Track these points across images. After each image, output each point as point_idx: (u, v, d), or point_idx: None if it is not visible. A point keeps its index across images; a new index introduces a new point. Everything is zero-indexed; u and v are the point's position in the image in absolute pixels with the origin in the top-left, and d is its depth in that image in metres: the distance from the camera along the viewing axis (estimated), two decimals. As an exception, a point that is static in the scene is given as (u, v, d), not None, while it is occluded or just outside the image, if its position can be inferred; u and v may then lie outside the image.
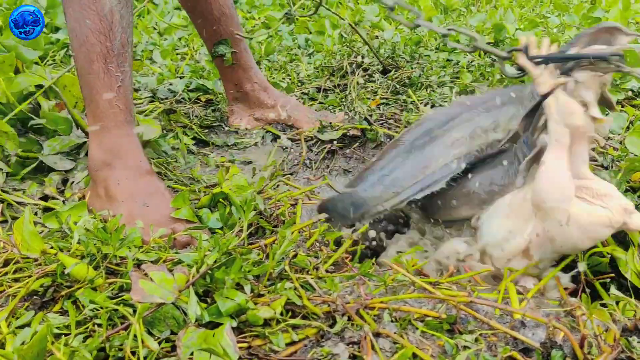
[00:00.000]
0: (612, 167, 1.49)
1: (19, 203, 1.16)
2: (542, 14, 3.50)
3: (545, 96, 0.95)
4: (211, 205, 1.10)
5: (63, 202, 1.14)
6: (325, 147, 1.52)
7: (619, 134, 1.70)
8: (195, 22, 1.60)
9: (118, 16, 1.10)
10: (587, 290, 1.07)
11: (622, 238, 1.22)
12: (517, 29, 2.30)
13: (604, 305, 0.95)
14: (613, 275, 1.15)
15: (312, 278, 0.86)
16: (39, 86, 1.61)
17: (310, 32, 2.71)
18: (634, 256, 1.17)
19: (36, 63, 2.06)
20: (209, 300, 0.78)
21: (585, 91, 0.95)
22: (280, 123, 1.67)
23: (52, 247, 0.89)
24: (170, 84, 1.97)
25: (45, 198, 1.20)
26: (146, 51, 2.49)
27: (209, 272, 0.77)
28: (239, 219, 0.98)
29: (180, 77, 2.07)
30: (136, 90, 2.01)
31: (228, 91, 1.71)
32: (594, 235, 0.96)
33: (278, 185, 1.30)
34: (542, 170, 0.96)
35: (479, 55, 2.20)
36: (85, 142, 1.31)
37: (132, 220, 1.00)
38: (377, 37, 2.78)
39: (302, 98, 1.94)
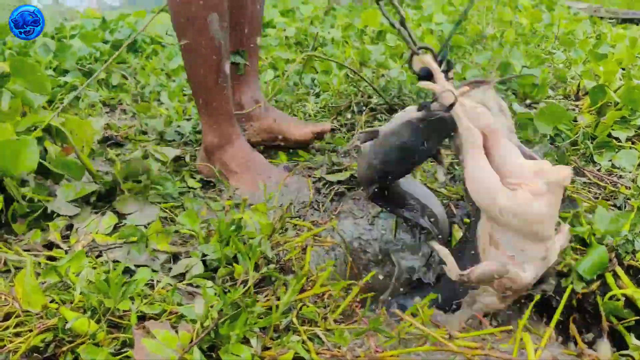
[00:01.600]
0: (624, 206, 1.47)
1: (24, 250, 1.14)
2: (548, 50, 3.51)
3: (450, 106, 1.02)
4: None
5: (66, 251, 1.12)
6: (332, 189, 1.50)
7: (630, 172, 1.68)
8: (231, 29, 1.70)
9: (223, 41, 1.45)
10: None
11: None
12: (523, 67, 2.29)
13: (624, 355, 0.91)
14: (637, 317, 1.12)
15: (320, 330, 0.83)
16: (47, 130, 1.62)
17: (317, 72, 2.72)
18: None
19: (44, 107, 2.09)
20: (214, 355, 0.76)
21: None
22: (272, 134, 1.79)
23: (53, 301, 0.87)
24: (178, 126, 1.97)
25: (49, 245, 1.19)
26: (154, 93, 2.50)
27: (214, 327, 0.75)
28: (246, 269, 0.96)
29: (188, 119, 2.08)
30: (144, 132, 2.01)
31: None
32: (529, 214, 0.97)
33: (286, 229, 1.28)
34: (465, 175, 1.03)
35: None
36: (95, 190, 1.30)
37: (254, 184, 1.49)
38: (383, 75, 2.79)
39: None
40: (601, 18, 6.06)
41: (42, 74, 1.42)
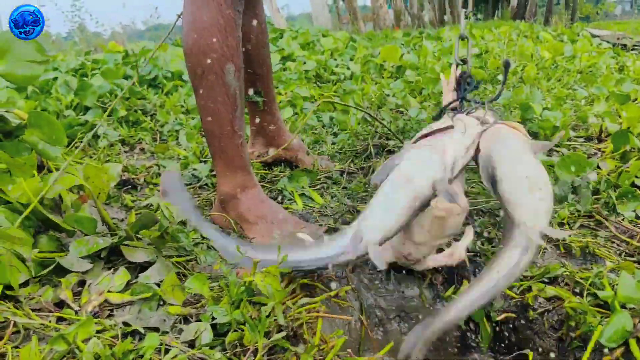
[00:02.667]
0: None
1: (33, 310, 1.13)
2: (570, 86, 3.47)
3: None
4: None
5: (76, 312, 1.11)
6: (347, 242, 1.47)
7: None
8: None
9: (238, 91, 1.48)
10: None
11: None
12: (544, 108, 2.26)
13: None
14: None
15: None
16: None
17: (335, 109, 2.71)
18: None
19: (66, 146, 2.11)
20: None
21: None
22: (287, 160, 2.03)
23: (59, 374, 0.85)
24: (194, 169, 1.97)
25: (60, 303, 1.18)
26: (172, 132, 2.52)
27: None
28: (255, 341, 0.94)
29: (204, 162, 2.08)
30: (160, 175, 2.01)
31: (252, 128, 2.01)
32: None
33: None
34: None
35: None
36: (107, 246, 1.29)
37: (269, 234, 1.50)
38: (401, 113, 2.78)
39: (325, 182, 1.92)
40: (624, 46, 6.01)
41: (59, 127, 1.43)
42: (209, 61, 1.43)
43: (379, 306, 1.37)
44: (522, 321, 1.29)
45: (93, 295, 1.16)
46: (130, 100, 2.87)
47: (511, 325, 1.32)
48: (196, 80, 1.47)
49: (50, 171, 1.55)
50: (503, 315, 1.30)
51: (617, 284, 1.20)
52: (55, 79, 2.79)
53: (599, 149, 2.13)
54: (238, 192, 1.56)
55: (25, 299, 1.18)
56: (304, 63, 3.94)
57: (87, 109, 2.65)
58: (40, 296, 1.19)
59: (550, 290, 1.26)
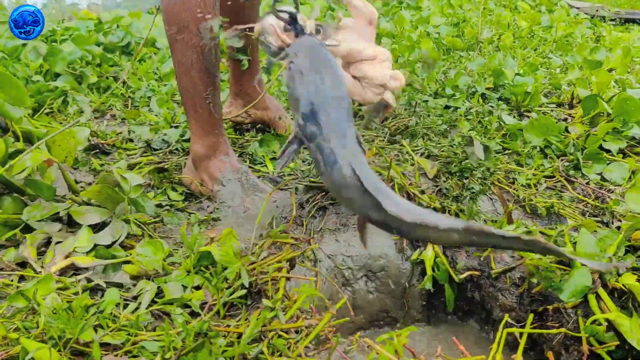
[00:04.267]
0: (612, 222, 1.44)
1: (-5, 270, 1.13)
2: (545, 54, 3.48)
3: None
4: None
5: (38, 272, 1.10)
6: (316, 204, 1.48)
7: (620, 185, 1.65)
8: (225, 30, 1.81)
9: (214, 50, 1.46)
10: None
11: (624, 303, 1.17)
12: (516, 74, 2.27)
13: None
14: (618, 343, 1.10)
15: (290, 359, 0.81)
16: (28, 140, 1.60)
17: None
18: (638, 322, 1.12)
19: (34, 112, 2.07)
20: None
21: None
22: (264, 122, 2.03)
23: (17, 329, 0.85)
24: (165, 134, 1.95)
25: (23, 264, 1.17)
26: (144, 98, 2.48)
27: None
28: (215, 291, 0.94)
29: (175, 127, 2.05)
30: (130, 140, 1.99)
31: (232, 87, 1.99)
32: None
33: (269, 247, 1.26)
34: None
35: (478, 101, 2.17)
36: (67, 209, 1.27)
37: (238, 197, 1.51)
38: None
39: (297, 148, 1.91)
40: (603, 18, 6.02)
41: (21, 87, 1.40)
42: (184, 19, 1.41)
43: (346, 265, 1.38)
44: (486, 279, 1.31)
45: (57, 256, 1.15)
46: (102, 67, 2.82)
47: (475, 283, 1.34)
48: (172, 38, 1.46)
49: (15, 133, 1.53)
50: (467, 273, 1.32)
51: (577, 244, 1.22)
52: (25, 45, 2.73)
53: (570, 115, 2.14)
54: (210, 153, 1.56)
55: (-13, 258, 1.17)
56: (281, 31, 3.90)
57: (57, 75, 2.60)
58: (1, 256, 1.18)
59: (507, 256, 1.28)
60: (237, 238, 1.09)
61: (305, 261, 1.31)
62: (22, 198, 1.35)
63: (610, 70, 2.50)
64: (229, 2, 1.83)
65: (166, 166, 1.69)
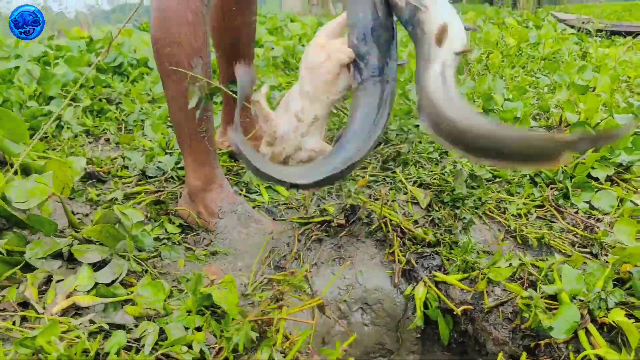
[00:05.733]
0: (600, 254, 1.48)
1: (-3, 311, 1.14)
2: (534, 72, 3.53)
3: None
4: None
5: (40, 313, 1.11)
6: (311, 236, 1.50)
7: (608, 213, 1.69)
8: (220, 59, 1.95)
9: (206, 84, 1.46)
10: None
11: (613, 338, 1.20)
12: (505, 99, 2.31)
13: None
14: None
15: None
16: (25, 172, 1.61)
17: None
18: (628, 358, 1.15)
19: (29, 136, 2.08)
20: None
21: None
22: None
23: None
24: (160, 162, 1.97)
25: (25, 304, 1.18)
26: (138, 122, 2.50)
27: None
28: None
29: (170, 153, 2.07)
30: (125, 167, 2.01)
31: (224, 118, 2.04)
32: None
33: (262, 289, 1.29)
34: None
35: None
36: (68, 245, 1.29)
37: (234, 229, 1.53)
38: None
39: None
40: (589, 31, 6.11)
41: (21, 123, 1.42)
42: (177, 55, 1.42)
43: (342, 299, 1.40)
44: (479, 313, 1.34)
45: (59, 296, 1.17)
46: (94, 88, 2.83)
47: (468, 317, 1.37)
48: (164, 73, 1.47)
49: (12, 166, 1.54)
50: (462, 308, 1.34)
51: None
52: (17, 67, 2.73)
53: (558, 139, 2.18)
54: (206, 186, 1.58)
55: (-12, 298, 1.18)
56: (272, 49, 3.93)
57: (50, 98, 2.61)
58: (3, 295, 1.20)
59: (502, 286, 1.31)
60: (235, 286, 1.11)
61: (302, 295, 1.33)
62: (23, 233, 1.37)
63: (596, 92, 2.55)
64: (226, 39, 1.87)
65: (162, 197, 1.71)
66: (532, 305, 1.22)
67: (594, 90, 2.81)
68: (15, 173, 1.53)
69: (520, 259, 1.37)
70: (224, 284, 1.11)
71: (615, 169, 1.88)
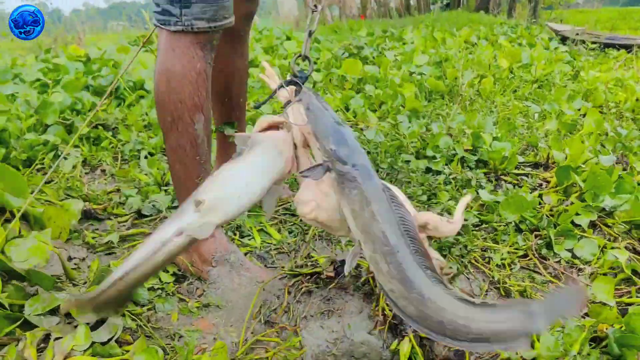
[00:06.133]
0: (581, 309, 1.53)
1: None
2: (524, 97, 3.60)
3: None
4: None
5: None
6: (301, 288, 1.55)
7: (589, 262, 1.74)
8: (214, 101, 1.87)
9: (206, 139, 1.53)
10: None
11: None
12: (494, 138, 2.36)
13: None
14: None
15: None
16: (25, 218, 1.66)
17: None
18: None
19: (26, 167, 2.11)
20: None
21: None
22: None
23: None
24: (155, 200, 2.01)
25: (24, 362, 1.23)
26: (134, 151, 2.54)
27: None
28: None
29: (165, 189, 2.12)
30: (121, 204, 2.05)
31: (219, 159, 2.05)
32: None
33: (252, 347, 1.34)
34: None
35: (457, 164, 2.26)
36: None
37: (227, 276, 1.57)
38: (362, 129, 2.86)
39: (285, 214, 1.99)
40: (583, 42, 6.17)
41: (22, 179, 1.46)
42: (180, 111, 1.47)
43: (330, 352, 1.45)
44: (461, 369, 1.39)
45: (57, 357, 1.21)
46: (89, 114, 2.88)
47: (451, 373, 1.42)
48: (166, 127, 1.51)
49: (12, 215, 1.59)
50: (444, 363, 1.40)
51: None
52: (15, 95, 2.77)
53: (545, 179, 2.24)
54: None
55: (-12, 358, 1.23)
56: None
57: (47, 127, 2.64)
58: (3, 355, 1.24)
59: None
60: (226, 352, 1.16)
61: (291, 350, 1.38)
62: (22, 284, 1.42)
63: (582, 130, 2.60)
64: (220, 82, 1.91)
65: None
66: (512, 368, 1.27)
67: (584, 117, 2.89)
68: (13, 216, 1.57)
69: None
70: (215, 350, 1.16)
71: (598, 214, 1.93)
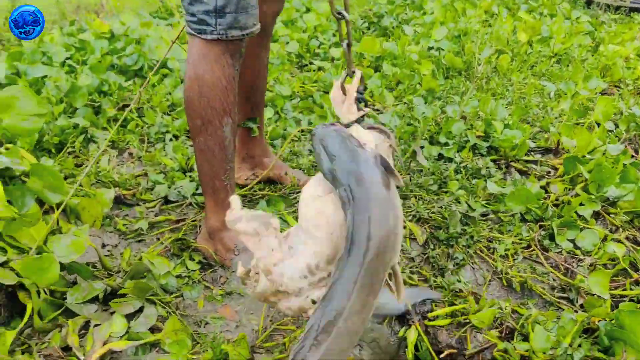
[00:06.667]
0: (577, 300, 1.64)
1: (44, 356, 1.34)
2: (541, 75, 3.63)
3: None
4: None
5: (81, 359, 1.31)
6: (316, 277, 1.68)
7: (589, 253, 1.84)
8: (241, 99, 1.97)
9: (232, 141, 1.66)
10: None
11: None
12: (505, 126, 2.43)
13: None
14: None
15: None
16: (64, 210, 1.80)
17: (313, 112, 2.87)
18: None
19: (58, 150, 2.24)
20: None
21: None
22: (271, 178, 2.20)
23: None
24: (181, 186, 2.14)
25: (67, 347, 1.38)
26: (159, 134, 2.66)
27: None
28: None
29: (190, 176, 2.24)
30: (149, 189, 2.18)
31: (239, 152, 2.13)
32: None
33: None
34: None
35: (469, 152, 2.35)
36: (104, 291, 1.48)
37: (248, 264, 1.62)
38: (378, 111, 2.94)
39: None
40: (608, 7, 6.09)
41: (59, 177, 1.59)
42: (210, 115, 1.60)
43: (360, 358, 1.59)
44: (462, 357, 1.52)
45: (97, 343, 1.36)
46: (116, 94, 2.98)
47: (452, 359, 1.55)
48: (195, 130, 1.64)
49: (51, 207, 1.72)
50: (448, 351, 1.52)
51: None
52: (44, 77, 2.89)
53: (553, 167, 2.32)
54: (224, 227, 1.73)
55: (36, 344, 1.38)
56: (287, 44, 4.04)
57: (75, 110, 2.76)
58: (49, 340, 1.40)
59: (481, 336, 1.48)
60: (247, 342, 1.30)
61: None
62: (61, 273, 1.56)
63: (590, 128, 2.65)
64: (246, 79, 1.98)
65: (183, 228, 1.89)
66: (506, 358, 1.40)
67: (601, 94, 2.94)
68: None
69: (500, 308, 1.54)
70: (237, 341, 1.30)
71: (602, 204, 2.02)
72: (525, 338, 1.47)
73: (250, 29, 1.57)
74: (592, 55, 4.15)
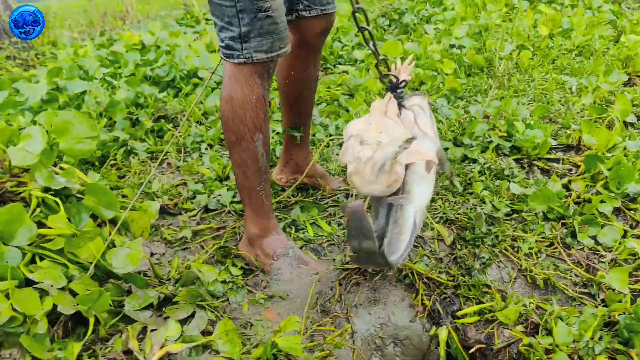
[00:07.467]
0: (598, 295, 1.73)
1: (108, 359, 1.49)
2: (562, 69, 3.68)
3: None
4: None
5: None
6: (351, 280, 1.80)
7: (611, 249, 1.92)
8: (285, 106, 2.21)
9: (265, 154, 1.79)
10: None
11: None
12: (527, 125, 2.51)
13: None
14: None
15: None
16: (112, 221, 1.94)
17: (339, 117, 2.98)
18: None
19: (100, 163, 2.38)
20: None
21: None
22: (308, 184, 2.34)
23: None
24: (219, 195, 2.28)
25: (128, 351, 1.53)
26: (195, 144, 2.80)
27: None
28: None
29: (227, 184, 2.37)
30: (190, 198, 2.32)
31: (283, 157, 2.34)
32: None
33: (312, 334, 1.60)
34: None
35: (492, 152, 2.44)
36: (158, 298, 1.63)
37: (286, 269, 1.83)
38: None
39: (335, 205, 2.22)
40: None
41: (112, 195, 1.73)
42: (242, 132, 1.74)
43: (377, 335, 1.71)
44: (490, 351, 1.63)
45: (155, 346, 1.50)
46: (153, 107, 3.13)
47: (482, 353, 1.66)
48: (230, 144, 1.79)
49: (103, 221, 1.87)
50: (477, 347, 1.64)
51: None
52: (84, 93, 3.05)
53: (575, 164, 2.40)
54: (263, 233, 1.88)
55: (100, 349, 1.53)
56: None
57: (114, 123, 2.91)
58: (112, 344, 1.54)
59: (508, 332, 1.59)
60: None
61: (344, 334, 1.64)
62: (118, 282, 1.71)
63: (609, 127, 2.71)
64: (292, 89, 2.13)
65: (225, 236, 2.03)
66: (531, 352, 1.50)
67: (624, 86, 2.99)
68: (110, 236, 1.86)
69: (524, 305, 1.65)
70: (284, 326, 1.43)
71: (622, 200, 2.10)
72: (549, 333, 1.58)
73: (276, 51, 1.69)
74: (614, 45, 4.18)
